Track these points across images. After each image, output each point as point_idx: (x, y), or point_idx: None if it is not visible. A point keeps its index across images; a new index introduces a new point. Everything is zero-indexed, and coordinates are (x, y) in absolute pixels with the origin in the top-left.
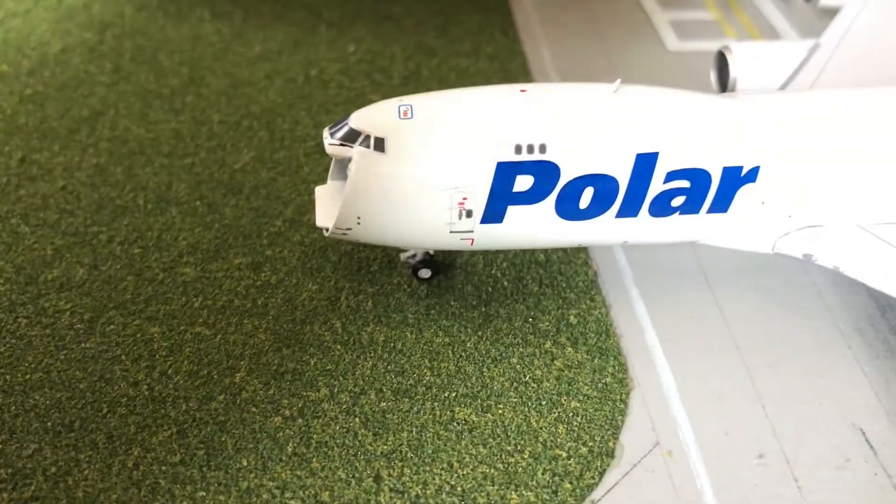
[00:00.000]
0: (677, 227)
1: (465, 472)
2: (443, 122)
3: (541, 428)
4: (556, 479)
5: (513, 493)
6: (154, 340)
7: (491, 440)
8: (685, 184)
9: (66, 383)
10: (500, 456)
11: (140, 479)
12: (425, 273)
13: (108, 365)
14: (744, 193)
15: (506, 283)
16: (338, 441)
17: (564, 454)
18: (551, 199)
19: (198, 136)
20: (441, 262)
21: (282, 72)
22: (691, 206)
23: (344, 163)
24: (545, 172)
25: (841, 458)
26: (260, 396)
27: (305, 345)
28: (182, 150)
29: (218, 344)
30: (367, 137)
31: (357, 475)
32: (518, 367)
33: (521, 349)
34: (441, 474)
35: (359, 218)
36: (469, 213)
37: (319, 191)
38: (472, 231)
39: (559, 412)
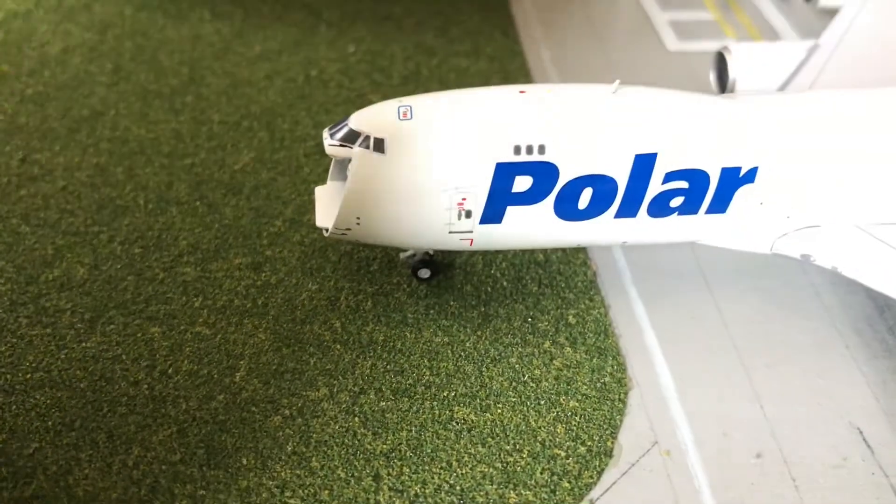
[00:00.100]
0: (676, 228)
1: (463, 472)
2: (442, 123)
3: (539, 427)
4: (555, 478)
5: (511, 492)
6: (154, 340)
7: (490, 439)
8: (684, 184)
9: (67, 382)
10: (499, 455)
11: (140, 477)
12: (425, 273)
13: (109, 364)
14: (742, 194)
15: (505, 283)
16: (337, 440)
17: (563, 453)
18: (550, 199)
19: (198, 136)
20: (440, 263)
21: (282, 72)
22: (690, 207)
23: (344, 163)
24: (544, 173)
25: (839, 457)
26: (260, 396)
27: (305, 344)
28: (182, 150)
29: (218, 343)
30: (367, 138)
31: (356, 474)
32: (517, 366)
33: (519, 349)
34: (440, 473)
35: (358, 218)
36: (468, 214)
37: (319, 191)
38: (471, 231)
39: (558, 412)
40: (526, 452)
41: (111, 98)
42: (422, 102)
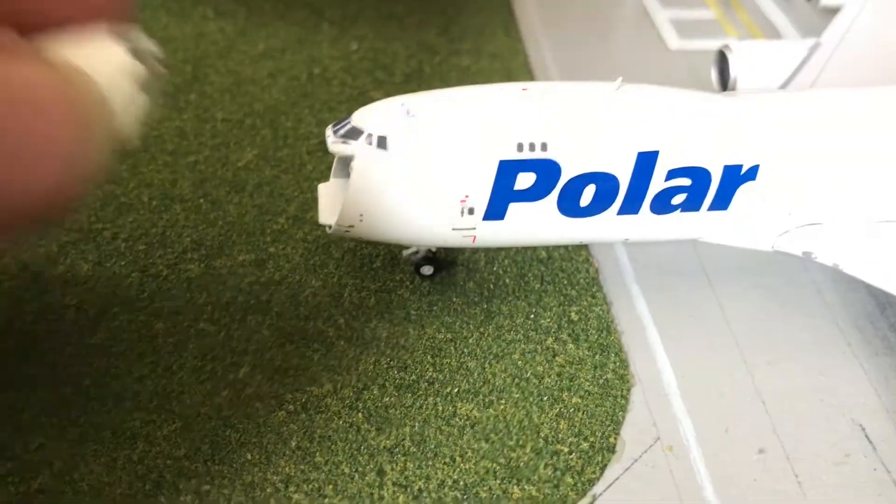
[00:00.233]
0: (678, 225)
1: (467, 467)
2: (445, 121)
3: (542, 423)
4: (558, 473)
5: (515, 487)
6: (159, 336)
7: (493, 435)
8: (686, 182)
9: (72, 378)
10: (503, 451)
11: (145, 472)
12: (427, 270)
13: (113, 360)
14: (744, 191)
15: (507, 281)
16: (341, 436)
17: (566, 449)
18: (553, 196)
19: (201, 134)
20: (443, 260)
21: (285, 70)
22: (692, 204)
23: (347, 160)
24: (547, 170)
25: (840, 453)
26: (264, 391)
27: (309, 340)
28: (186, 148)
29: (222, 340)
30: (370, 135)
31: (360, 469)
32: (520, 363)
33: (522, 345)
34: (444, 469)
35: (361, 215)
36: (471, 211)
37: (322, 188)
38: (474, 228)
39: (560, 408)
40: (529, 448)
41: None
42: (425, 100)
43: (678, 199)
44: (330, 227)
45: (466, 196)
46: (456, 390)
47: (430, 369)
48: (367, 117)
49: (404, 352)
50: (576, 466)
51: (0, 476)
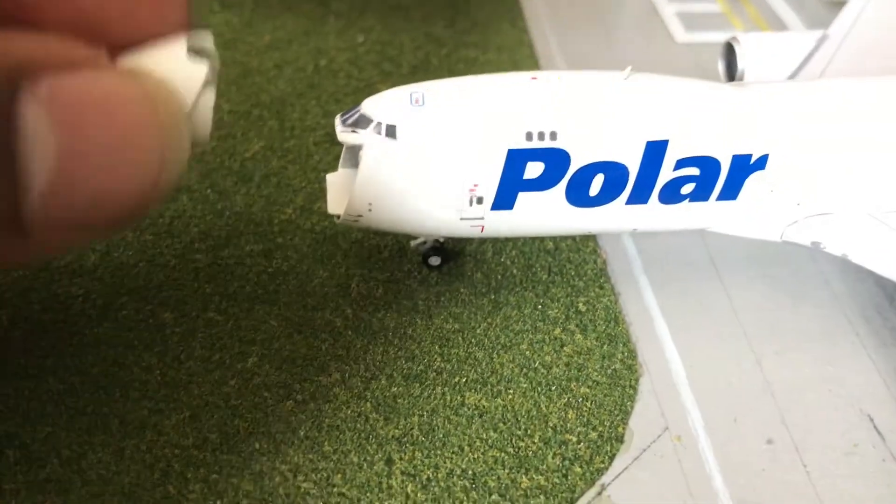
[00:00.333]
0: (687, 215)
1: (475, 456)
2: (454, 110)
3: (551, 413)
4: (567, 463)
5: (523, 476)
6: (167, 326)
7: (501, 425)
8: (695, 171)
9: (80, 368)
10: (511, 440)
11: (153, 462)
12: (435, 260)
13: (121, 350)
14: (753, 181)
15: (515, 271)
16: (349, 425)
17: (574, 439)
18: (562, 186)
19: None
20: (451, 250)
21: (291, 61)
22: (701, 194)
23: (355, 150)
24: (556, 159)
25: (849, 444)
26: (272, 381)
27: (317, 330)
28: None
29: (230, 330)
30: (379, 124)
31: (369, 458)
32: (528, 353)
33: (530, 336)
34: (452, 458)
35: (370, 204)
36: (480, 200)
37: (331, 178)
38: (482, 218)
39: (569, 398)
40: (537, 438)
41: None
42: (434, 89)
43: (687, 189)
44: (339, 217)
45: (475, 185)
46: (464, 380)
47: (438, 359)
48: (376, 106)
49: (412, 342)
50: (584, 456)
51: (8, 465)
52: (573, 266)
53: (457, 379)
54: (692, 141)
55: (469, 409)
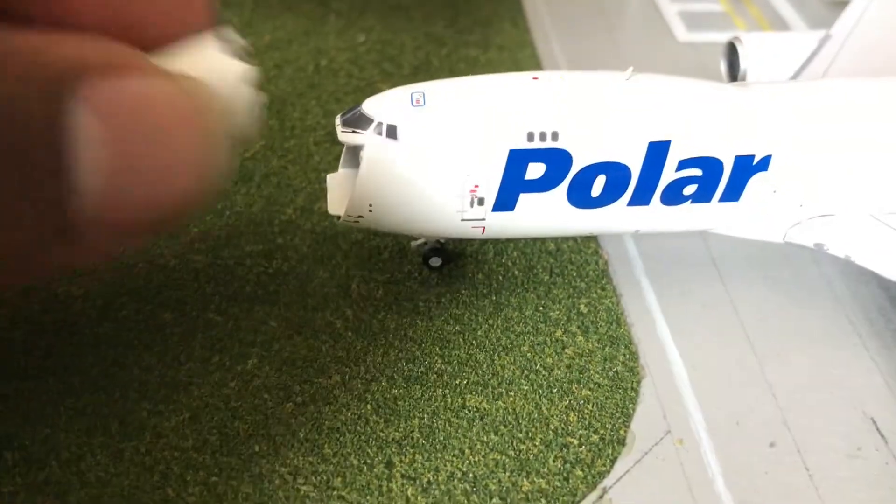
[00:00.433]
0: (689, 216)
1: (476, 459)
2: (455, 110)
3: (552, 415)
4: (568, 466)
5: (524, 479)
6: (166, 326)
7: (502, 427)
8: (697, 172)
9: (79, 369)
10: (512, 443)
11: (152, 464)
12: (436, 261)
13: (121, 350)
14: (755, 182)
15: (516, 273)
16: (349, 427)
17: (576, 442)
18: (563, 186)
19: None
20: (452, 251)
21: (291, 61)
22: (703, 195)
23: (356, 150)
24: (557, 160)
25: (852, 446)
26: (272, 383)
27: (317, 332)
28: None
29: (230, 331)
30: (380, 125)
31: (369, 461)
32: (529, 355)
33: (531, 337)
34: (453, 461)
35: (370, 205)
36: (481, 201)
37: (331, 178)
38: (483, 219)
39: (570, 400)
40: (539, 440)
41: None
42: (435, 89)
43: (689, 190)
44: (339, 217)
45: (476, 186)
46: (465, 382)
47: (439, 361)
48: (377, 106)
49: (413, 343)
50: (586, 459)
51: (7, 466)
52: (575, 267)
53: (458, 381)
54: (694, 141)
55: (470, 411)
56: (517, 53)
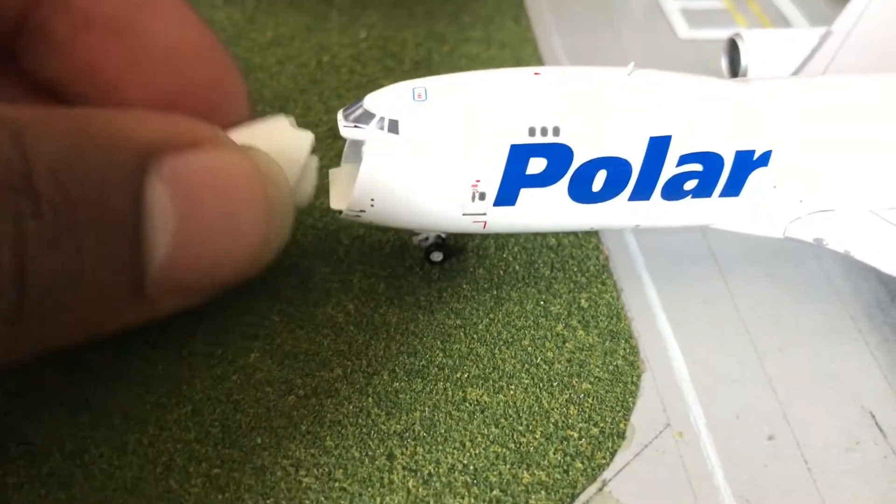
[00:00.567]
0: (690, 211)
1: (477, 452)
2: (457, 105)
3: (552, 409)
4: (568, 458)
5: (525, 472)
6: (168, 320)
7: (503, 420)
8: (698, 167)
9: (82, 362)
10: (512, 436)
11: (155, 456)
12: (437, 256)
13: (124, 344)
14: (756, 177)
15: (517, 267)
16: (351, 420)
17: (576, 435)
18: (564, 181)
19: None
20: (453, 246)
21: (294, 57)
22: (704, 190)
23: (358, 145)
24: (558, 155)
25: (851, 440)
26: (274, 376)
27: (319, 326)
28: None
29: (232, 325)
30: (382, 120)
31: (370, 453)
32: (529, 349)
33: (532, 332)
34: (453, 453)
35: (372, 200)
36: (482, 196)
37: (333, 173)
38: (484, 214)
39: (570, 393)
40: (539, 433)
41: None
42: (436, 84)
43: (690, 185)
44: (341, 212)
45: (477, 181)
46: (466, 376)
47: (440, 355)
48: (378, 101)
49: (414, 337)
50: (586, 452)
51: (11, 459)
52: (575, 262)
53: (459, 374)
54: (695, 137)
55: (471, 404)
56: (519, 50)
